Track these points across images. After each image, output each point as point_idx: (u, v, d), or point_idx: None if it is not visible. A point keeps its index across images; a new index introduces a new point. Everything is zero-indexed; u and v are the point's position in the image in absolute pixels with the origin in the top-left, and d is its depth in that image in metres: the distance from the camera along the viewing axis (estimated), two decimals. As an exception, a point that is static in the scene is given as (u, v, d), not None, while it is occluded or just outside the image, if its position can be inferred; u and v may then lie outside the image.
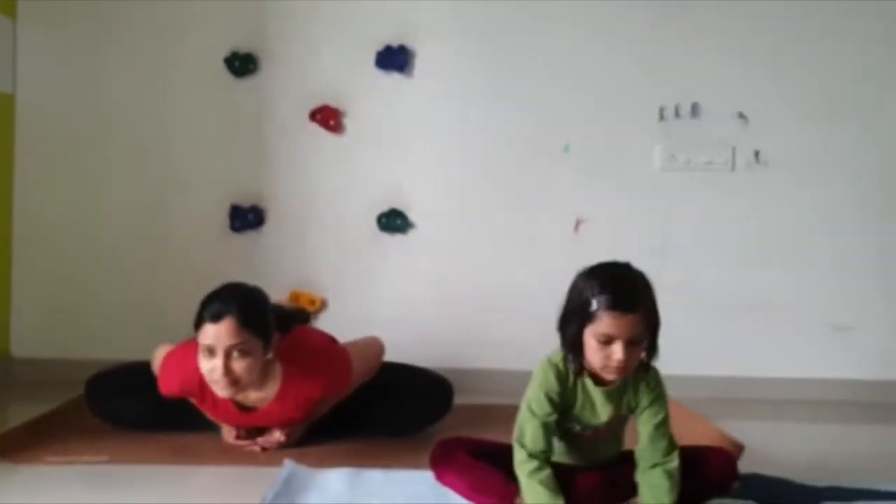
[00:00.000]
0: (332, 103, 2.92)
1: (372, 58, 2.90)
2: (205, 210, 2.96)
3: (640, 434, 1.64)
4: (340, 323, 2.82)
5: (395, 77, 2.93)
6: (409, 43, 2.91)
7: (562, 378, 1.62)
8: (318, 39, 2.92)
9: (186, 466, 2.01)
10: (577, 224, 2.95)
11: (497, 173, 2.95)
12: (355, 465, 1.98)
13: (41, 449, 2.07)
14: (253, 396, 2.05)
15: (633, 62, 2.91)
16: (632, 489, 1.65)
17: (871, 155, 2.89)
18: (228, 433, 2.17)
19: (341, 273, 2.98)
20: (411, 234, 2.97)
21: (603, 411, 1.64)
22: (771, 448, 2.29)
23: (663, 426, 1.64)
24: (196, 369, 1.97)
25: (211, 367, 1.91)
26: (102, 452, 2.06)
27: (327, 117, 2.91)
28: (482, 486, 1.67)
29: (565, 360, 1.63)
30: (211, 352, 1.91)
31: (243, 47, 2.92)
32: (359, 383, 2.22)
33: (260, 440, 2.13)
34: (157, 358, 2.16)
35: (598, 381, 1.63)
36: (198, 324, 1.94)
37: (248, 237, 2.98)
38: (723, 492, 1.72)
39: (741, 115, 2.91)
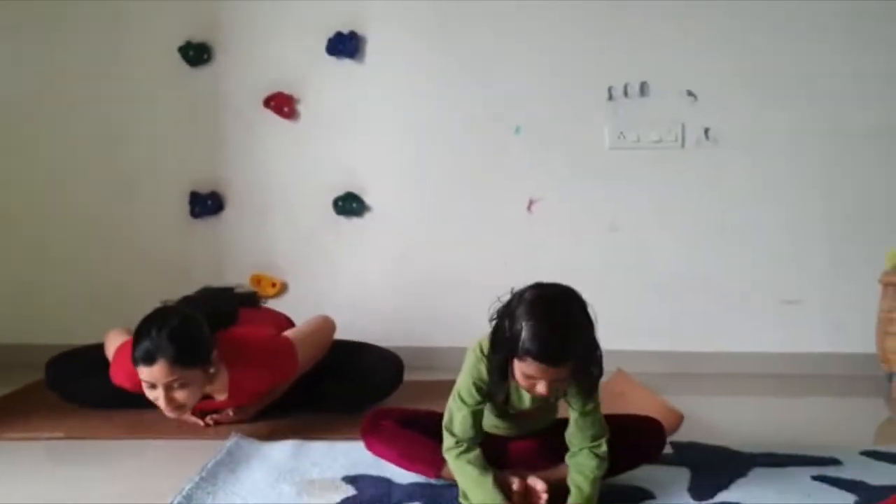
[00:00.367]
0: (286, 90, 2.98)
1: (323, 45, 2.95)
2: (165, 197, 3.03)
3: (570, 420, 1.64)
4: (301, 304, 2.90)
5: (346, 63, 2.97)
6: (360, 29, 2.95)
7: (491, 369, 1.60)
8: (271, 28, 2.97)
9: (139, 441, 2.10)
10: (530, 204, 3.01)
11: (450, 156, 3.00)
12: (303, 438, 2.06)
13: (3, 427, 2.17)
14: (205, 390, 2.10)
15: (581, 43, 2.94)
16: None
17: (818, 130, 2.91)
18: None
19: (300, 256, 3.05)
20: (367, 217, 3.03)
21: (530, 401, 1.65)
22: (717, 420, 2.36)
23: (592, 414, 1.62)
24: None
25: (154, 396, 1.95)
26: (61, 429, 2.16)
27: (281, 104, 2.97)
28: (410, 453, 1.72)
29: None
30: (151, 385, 1.94)
31: (197, 37, 2.97)
32: (310, 364, 2.29)
33: (211, 417, 2.20)
34: (109, 344, 2.23)
35: None
36: (133, 361, 1.93)
37: (208, 223, 3.04)
38: (651, 459, 1.78)
39: (690, 93, 2.94)
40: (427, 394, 2.39)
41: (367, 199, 3.02)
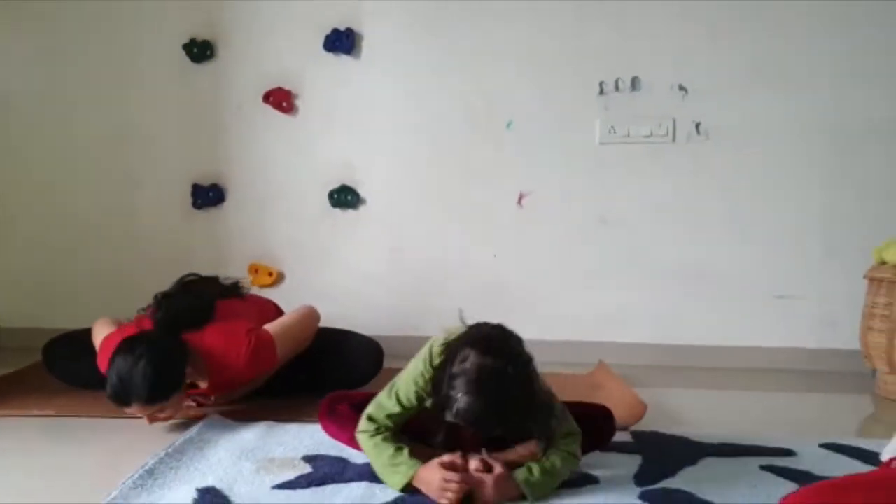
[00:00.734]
0: (285, 86, 3.07)
1: (321, 41, 3.03)
2: (168, 189, 3.16)
3: None
4: (297, 293, 3.00)
5: (343, 59, 3.05)
6: (356, 26, 3.03)
7: None
8: (271, 25, 3.06)
9: (124, 420, 2.18)
10: (521, 197, 3.05)
11: (443, 150, 3.06)
12: (277, 420, 2.15)
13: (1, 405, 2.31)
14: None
15: (573, 38, 2.97)
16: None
17: (809, 126, 2.89)
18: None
19: (297, 247, 3.14)
20: (362, 209, 3.11)
21: None
22: (696, 412, 2.39)
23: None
24: None
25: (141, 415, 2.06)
26: (52, 407, 2.29)
27: (280, 99, 3.06)
28: None
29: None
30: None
31: (201, 34, 3.08)
32: (293, 354, 2.37)
33: (194, 400, 2.29)
34: (96, 334, 2.34)
35: None
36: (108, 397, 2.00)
37: (209, 214, 3.16)
38: (599, 446, 1.82)
39: (681, 87, 2.95)
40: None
41: (362, 192, 3.09)
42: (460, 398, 1.46)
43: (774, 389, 2.71)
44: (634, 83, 2.97)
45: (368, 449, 1.65)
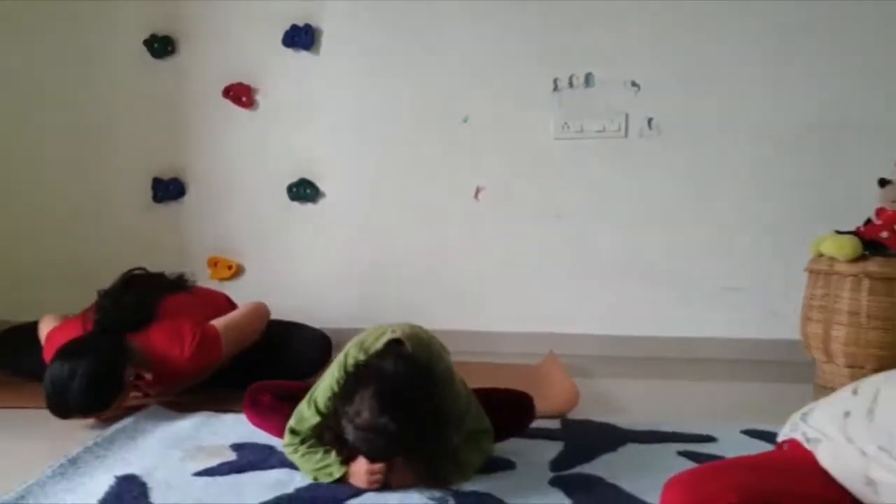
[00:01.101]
0: (245, 81, 3.12)
1: (280, 37, 3.07)
2: (129, 182, 3.21)
3: None
4: (256, 287, 3.06)
5: (302, 55, 3.10)
6: (316, 22, 3.08)
7: None
8: (231, 20, 3.11)
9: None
10: (478, 192, 3.09)
11: (401, 144, 3.11)
12: (218, 410, 2.18)
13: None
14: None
15: (528, 35, 3.02)
16: None
17: (758, 120, 2.94)
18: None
19: (256, 240, 3.19)
20: (321, 202, 3.16)
21: None
22: (637, 401, 2.44)
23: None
24: None
25: None
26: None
27: (240, 94, 3.11)
28: (284, 426, 1.75)
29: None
30: None
31: (161, 30, 3.13)
32: (240, 348, 2.40)
33: (140, 391, 2.33)
34: (42, 329, 2.38)
35: None
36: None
37: (170, 207, 3.20)
38: (519, 431, 1.87)
39: (634, 84, 3.00)
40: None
41: (321, 186, 3.14)
42: (357, 426, 1.48)
43: (717, 379, 2.76)
44: (588, 79, 3.02)
45: (296, 461, 1.67)
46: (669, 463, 1.76)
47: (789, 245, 2.88)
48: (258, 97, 3.13)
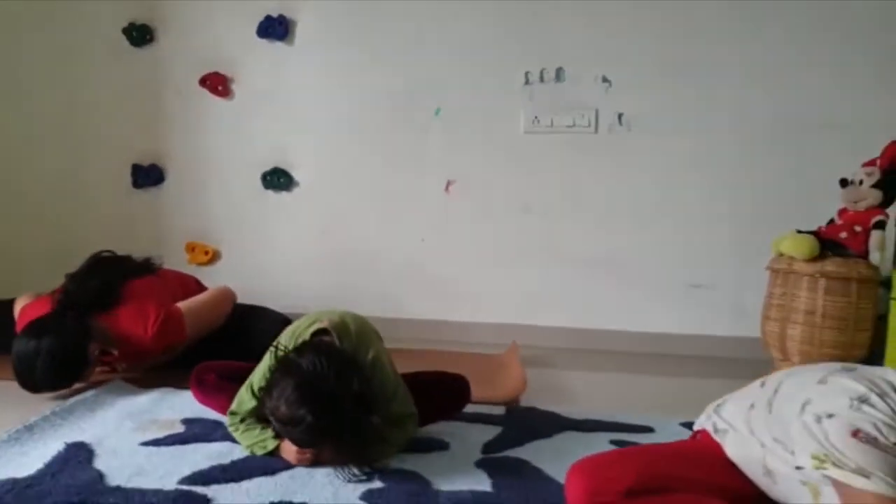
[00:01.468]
0: (221, 70, 3.18)
1: (255, 27, 3.12)
2: (108, 169, 3.28)
3: None
4: (232, 272, 3.13)
5: (277, 45, 3.15)
6: (290, 13, 3.13)
7: None
8: (208, 9, 3.17)
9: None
10: (448, 185, 3.14)
11: (373, 135, 3.16)
12: (179, 387, 2.23)
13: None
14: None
15: (500, 29, 3.05)
16: None
17: (726, 118, 2.96)
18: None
19: (232, 226, 3.26)
20: (295, 191, 3.21)
21: None
22: (591, 393, 2.47)
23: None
24: None
25: None
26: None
27: (216, 83, 3.17)
28: (228, 405, 1.82)
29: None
30: None
31: (140, 18, 3.19)
32: (205, 330, 2.49)
33: (106, 367, 2.41)
34: (17, 306, 2.47)
35: None
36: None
37: (149, 193, 3.28)
38: (454, 412, 1.93)
39: (605, 79, 3.03)
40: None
41: (295, 175, 3.20)
42: (279, 418, 1.56)
43: (676, 374, 2.79)
44: (559, 74, 3.05)
45: (238, 437, 1.75)
46: (598, 450, 1.79)
47: (756, 243, 2.90)
48: (234, 86, 3.19)
